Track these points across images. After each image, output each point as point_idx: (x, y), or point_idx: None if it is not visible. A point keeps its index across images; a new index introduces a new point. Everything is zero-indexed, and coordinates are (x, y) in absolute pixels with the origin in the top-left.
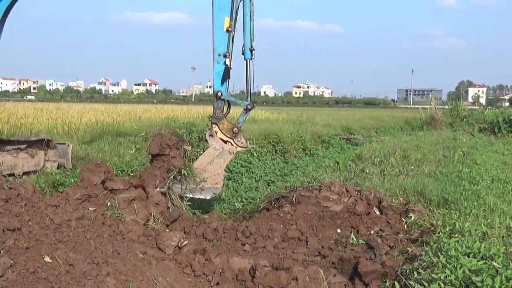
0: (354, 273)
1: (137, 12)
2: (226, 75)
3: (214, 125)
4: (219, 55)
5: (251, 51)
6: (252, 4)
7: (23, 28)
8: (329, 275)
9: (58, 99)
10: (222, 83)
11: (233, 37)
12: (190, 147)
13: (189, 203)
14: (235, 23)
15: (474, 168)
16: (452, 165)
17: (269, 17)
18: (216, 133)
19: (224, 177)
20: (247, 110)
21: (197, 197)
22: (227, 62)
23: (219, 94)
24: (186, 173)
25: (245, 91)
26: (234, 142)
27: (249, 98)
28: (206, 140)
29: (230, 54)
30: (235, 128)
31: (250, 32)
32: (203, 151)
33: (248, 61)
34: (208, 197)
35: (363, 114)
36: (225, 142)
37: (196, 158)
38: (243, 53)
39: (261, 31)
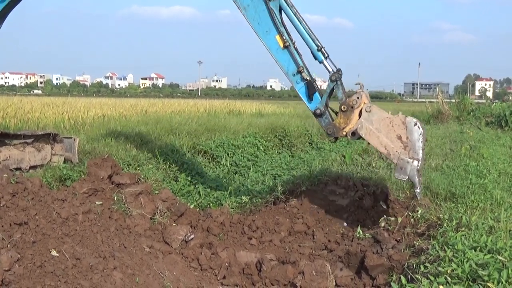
0: (361, 267)
1: (145, 6)
2: (311, 89)
3: (343, 133)
4: (294, 74)
5: (319, 51)
6: (292, 7)
7: (30, 22)
8: (335, 269)
9: (64, 93)
10: (311, 98)
11: (295, 48)
12: None
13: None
14: (288, 35)
15: (481, 161)
16: (459, 158)
17: None
18: (350, 126)
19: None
20: (336, 82)
21: (422, 144)
22: (305, 77)
23: (318, 111)
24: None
25: (252, 85)
26: (356, 107)
27: (329, 70)
28: (359, 137)
29: (303, 66)
30: (343, 106)
31: (308, 34)
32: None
33: (324, 61)
34: (422, 130)
35: None
36: (359, 116)
37: None
38: (315, 58)
39: None
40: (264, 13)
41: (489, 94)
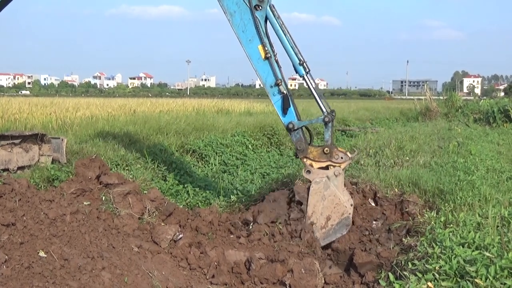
0: (350, 265)
1: (134, 6)
2: (287, 103)
3: (304, 159)
4: (271, 86)
5: (301, 65)
6: (278, 18)
7: (17, 22)
8: (324, 266)
9: (53, 93)
10: (285, 112)
11: (276, 61)
12: None
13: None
14: (271, 46)
15: (469, 158)
16: (447, 155)
17: None
18: (312, 166)
19: (349, 200)
20: (326, 123)
21: (334, 238)
22: (282, 90)
23: (290, 126)
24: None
25: (241, 84)
26: (333, 162)
27: (323, 110)
28: (307, 180)
29: (282, 79)
30: (326, 148)
31: (291, 46)
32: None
33: (304, 76)
34: (344, 232)
35: (358, 106)
36: (326, 168)
37: None
38: (296, 71)
39: None
40: (249, 21)
41: (477, 91)
